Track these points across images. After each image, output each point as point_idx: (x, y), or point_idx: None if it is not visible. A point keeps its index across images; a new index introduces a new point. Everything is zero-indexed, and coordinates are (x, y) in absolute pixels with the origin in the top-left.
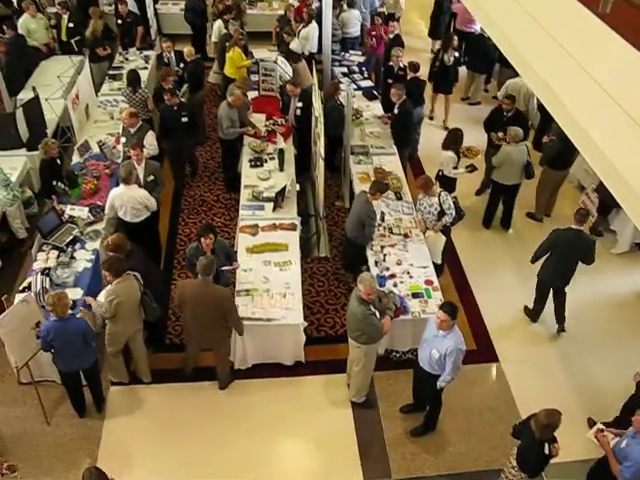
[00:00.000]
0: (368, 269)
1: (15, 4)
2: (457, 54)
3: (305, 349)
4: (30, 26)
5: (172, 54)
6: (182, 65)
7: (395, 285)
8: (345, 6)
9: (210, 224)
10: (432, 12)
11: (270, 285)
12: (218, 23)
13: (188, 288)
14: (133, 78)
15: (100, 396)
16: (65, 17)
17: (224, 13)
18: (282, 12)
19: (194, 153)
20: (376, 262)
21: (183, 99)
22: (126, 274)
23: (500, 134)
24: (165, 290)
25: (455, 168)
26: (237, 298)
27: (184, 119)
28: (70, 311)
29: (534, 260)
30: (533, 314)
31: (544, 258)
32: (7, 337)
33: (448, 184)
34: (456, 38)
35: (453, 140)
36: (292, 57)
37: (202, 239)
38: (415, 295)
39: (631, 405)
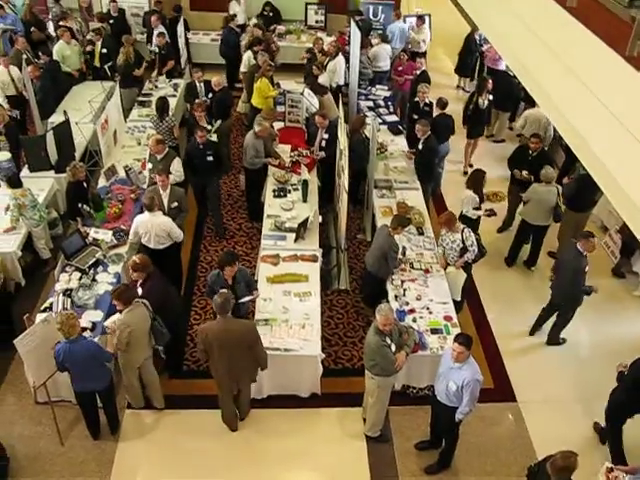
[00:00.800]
0: (387, 303)
1: (52, 31)
2: (491, 97)
3: (322, 381)
4: (65, 52)
5: (202, 83)
6: (210, 95)
7: (414, 320)
8: (374, 41)
9: (234, 253)
10: (460, 50)
11: (289, 315)
12: (248, 54)
13: (211, 331)
14: (162, 106)
15: (114, 418)
16: (98, 44)
17: (254, 44)
18: (310, 45)
19: (219, 194)
20: (396, 296)
21: (214, 135)
22: (135, 301)
23: (525, 172)
24: (184, 315)
25: (477, 209)
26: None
27: (209, 158)
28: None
29: None
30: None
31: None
32: (26, 356)
33: (470, 224)
34: (491, 81)
35: (475, 181)
36: (318, 89)
37: (226, 267)
38: (434, 331)
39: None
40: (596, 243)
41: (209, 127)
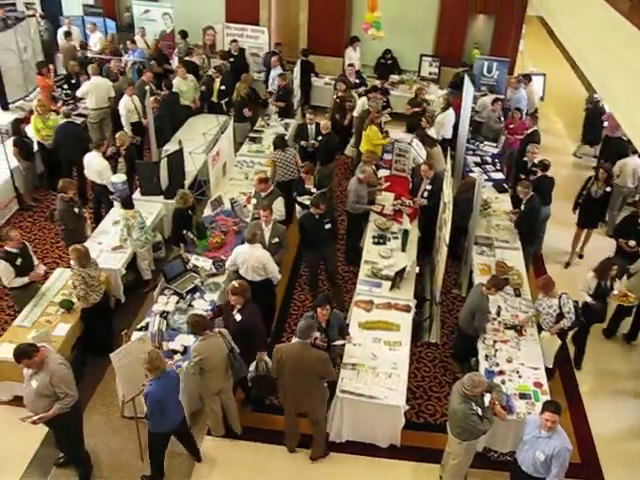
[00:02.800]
0: (477, 362)
1: (174, 66)
2: (609, 189)
3: (402, 433)
4: (181, 87)
5: (313, 125)
6: (319, 137)
7: (503, 382)
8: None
9: (328, 295)
10: (584, 121)
11: (377, 363)
12: (363, 99)
13: (286, 352)
14: (281, 141)
15: (196, 449)
16: (217, 80)
17: (370, 91)
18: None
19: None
20: (486, 356)
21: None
22: (212, 331)
23: (632, 242)
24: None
25: (595, 298)
26: (342, 371)
27: (327, 226)
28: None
29: None
30: None
31: None
32: (120, 371)
33: (592, 312)
34: (604, 171)
35: (601, 268)
36: (427, 141)
37: (319, 309)
38: (522, 396)
39: None
40: None
41: (313, 190)
